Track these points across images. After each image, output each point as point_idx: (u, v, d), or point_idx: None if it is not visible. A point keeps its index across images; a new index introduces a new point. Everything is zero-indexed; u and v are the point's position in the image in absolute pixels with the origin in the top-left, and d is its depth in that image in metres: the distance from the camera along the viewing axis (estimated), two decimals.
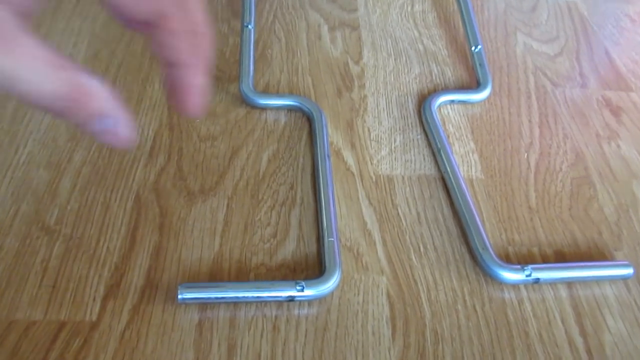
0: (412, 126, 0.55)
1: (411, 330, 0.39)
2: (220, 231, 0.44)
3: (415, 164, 0.51)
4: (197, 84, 0.26)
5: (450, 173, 0.49)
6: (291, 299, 0.39)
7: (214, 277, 0.41)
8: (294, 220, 0.45)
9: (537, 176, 0.51)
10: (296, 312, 0.39)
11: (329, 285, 0.39)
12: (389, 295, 0.41)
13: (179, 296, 0.37)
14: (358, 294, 0.41)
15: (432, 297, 0.41)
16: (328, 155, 0.49)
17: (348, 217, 0.46)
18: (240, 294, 0.38)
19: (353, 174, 0.49)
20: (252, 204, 0.46)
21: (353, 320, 0.39)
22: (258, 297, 0.39)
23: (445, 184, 0.49)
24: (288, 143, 0.52)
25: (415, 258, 0.44)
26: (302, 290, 0.38)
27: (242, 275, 0.41)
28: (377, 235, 0.45)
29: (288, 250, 0.43)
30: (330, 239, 0.42)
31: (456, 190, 0.48)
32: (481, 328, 0.39)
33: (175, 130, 0.52)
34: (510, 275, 0.41)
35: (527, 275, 0.41)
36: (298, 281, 0.39)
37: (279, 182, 0.48)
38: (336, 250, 0.41)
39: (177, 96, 0.26)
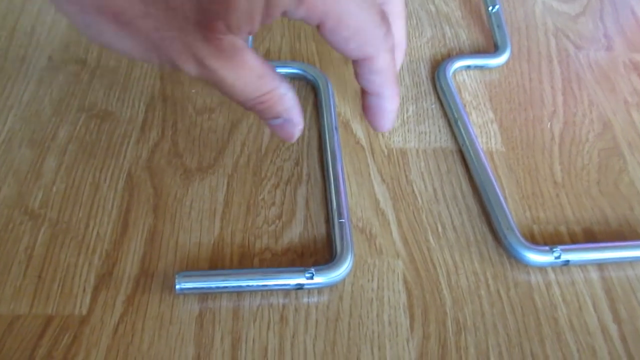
0: (425, 95, 0.50)
1: (431, 319, 0.36)
2: (220, 212, 0.40)
3: (430, 136, 0.47)
4: (394, 109, 0.31)
5: (468, 145, 0.45)
6: (300, 287, 0.35)
7: (215, 264, 0.37)
8: (300, 200, 0.42)
9: (562, 147, 0.47)
10: (305, 300, 0.36)
11: (341, 271, 0.36)
12: (405, 281, 0.38)
13: (177, 286, 0.34)
14: (372, 280, 0.37)
15: (452, 282, 0.38)
16: (336, 128, 0.45)
17: (359, 195, 0.42)
18: (244, 283, 0.35)
19: (363, 148, 0.45)
20: (255, 182, 0.42)
21: (367, 309, 0.36)
22: (264, 285, 0.35)
23: (464, 157, 0.45)
24: None
25: (433, 239, 0.40)
26: (311, 278, 0.35)
27: (245, 261, 0.38)
28: (391, 215, 0.41)
29: (295, 232, 0.40)
30: (340, 220, 0.38)
31: (476, 164, 0.44)
32: (506, 315, 0.36)
33: (169, 103, 0.47)
34: (537, 257, 0.38)
35: (556, 257, 0.38)
36: (307, 268, 0.35)
37: (283, 157, 0.44)
38: (348, 233, 0.38)
39: (375, 118, 0.32)
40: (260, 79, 0.25)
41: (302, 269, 0.35)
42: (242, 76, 0.24)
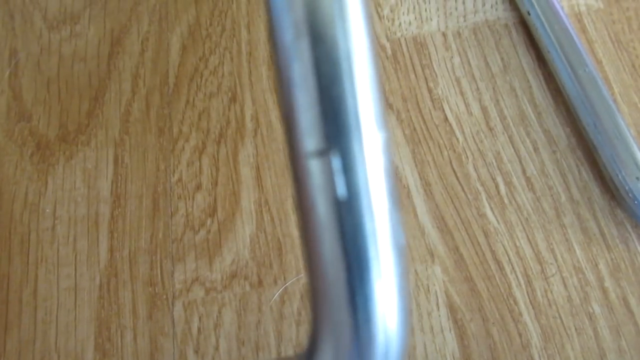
0: None
1: None
2: (107, 220, 0.23)
3: (465, 5, 0.26)
4: None
5: (539, 8, 0.24)
6: None
7: (106, 323, 0.21)
8: (246, 170, 0.23)
9: None
10: None
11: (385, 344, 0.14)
12: (451, 307, 0.21)
13: None
14: None
15: (537, 296, 0.21)
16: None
17: None
18: None
19: None
20: (162, 147, 0.24)
21: None
22: None
23: (530, 34, 0.25)
24: (215, 5, 0.27)
25: (492, 209, 0.22)
26: None
27: (158, 311, 0.21)
28: (410, 173, 0.23)
29: (242, 238, 0.22)
30: None
31: (555, 42, 0.24)
32: None
33: (0, 9, 0.27)
34: None
35: None
36: None
37: (207, 89, 0.25)
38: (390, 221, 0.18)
39: None
40: None
41: None
42: None
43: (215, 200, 0.23)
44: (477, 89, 0.24)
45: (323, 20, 0.10)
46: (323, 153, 0.10)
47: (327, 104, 0.10)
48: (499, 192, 0.22)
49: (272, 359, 0.20)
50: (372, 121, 0.10)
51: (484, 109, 0.24)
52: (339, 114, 0.10)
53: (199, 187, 0.23)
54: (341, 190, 0.10)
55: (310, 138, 0.10)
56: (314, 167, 0.11)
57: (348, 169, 0.10)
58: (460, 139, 0.23)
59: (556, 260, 0.21)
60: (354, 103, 0.10)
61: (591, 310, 0.20)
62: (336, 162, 0.10)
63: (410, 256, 0.21)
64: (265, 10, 0.11)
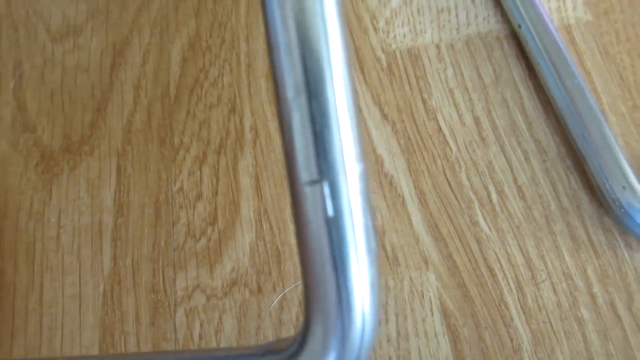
0: None
1: None
2: (110, 229, 0.23)
3: (458, 17, 0.27)
4: None
5: (529, 21, 0.25)
6: None
7: (110, 329, 0.22)
8: (245, 179, 0.24)
9: None
10: None
11: (361, 332, 0.18)
12: (444, 312, 0.21)
13: None
14: (386, 320, 0.21)
15: (528, 301, 0.21)
16: None
17: None
18: None
19: None
20: (164, 157, 0.25)
21: None
22: None
23: (521, 46, 0.26)
24: (215, 17, 0.28)
25: (485, 218, 0.23)
26: None
27: (161, 318, 0.22)
28: (405, 182, 0.23)
29: (242, 246, 0.23)
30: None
31: (545, 55, 0.24)
32: (635, 355, 0.20)
33: (4, 25, 0.28)
34: None
35: None
36: (279, 348, 0.19)
37: (207, 101, 0.26)
38: (366, 228, 0.20)
39: None
40: None
41: (269, 347, 0.19)
42: None
43: (215, 209, 0.23)
44: (470, 99, 0.25)
45: (317, 81, 0.13)
46: (316, 182, 0.13)
47: (319, 146, 0.13)
48: (491, 201, 0.23)
49: (269, 342, 0.21)
50: (353, 158, 0.14)
51: (476, 120, 0.25)
52: (328, 153, 0.13)
53: (199, 196, 0.24)
54: (330, 211, 0.13)
55: (306, 171, 0.14)
56: (309, 193, 0.14)
57: (335, 195, 0.13)
58: (454, 148, 0.24)
59: (546, 267, 0.22)
60: (340, 145, 0.13)
61: (580, 315, 0.21)
62: (326, 190, 0.13)
63: (405, 263, 0.22)
64: (271, 72, 0.14)
